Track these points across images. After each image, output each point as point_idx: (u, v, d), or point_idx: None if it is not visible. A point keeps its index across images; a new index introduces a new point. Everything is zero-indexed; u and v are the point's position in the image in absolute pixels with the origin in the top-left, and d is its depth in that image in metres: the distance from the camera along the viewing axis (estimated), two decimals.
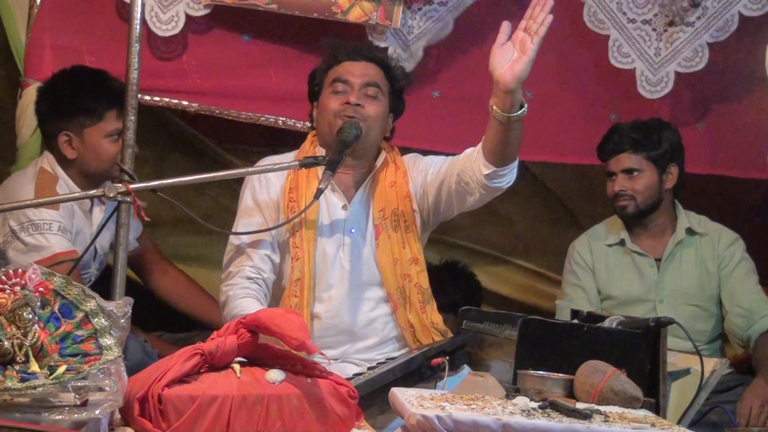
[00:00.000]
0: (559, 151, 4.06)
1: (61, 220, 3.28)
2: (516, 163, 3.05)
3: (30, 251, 3.24)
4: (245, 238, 3.15)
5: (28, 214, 3.25)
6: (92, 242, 3.19)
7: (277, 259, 3.17)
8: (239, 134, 4.17)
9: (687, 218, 3.81)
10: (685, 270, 3.77)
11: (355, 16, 3.62)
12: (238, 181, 3.39)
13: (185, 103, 3.70)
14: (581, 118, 4.01)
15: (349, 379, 2.71)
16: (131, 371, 2.85)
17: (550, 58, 3.92)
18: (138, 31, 3.00)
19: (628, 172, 3.74)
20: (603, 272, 3.80)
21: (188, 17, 3.61)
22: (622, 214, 3.78)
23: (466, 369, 3.06)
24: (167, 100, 3.68)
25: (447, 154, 3.31)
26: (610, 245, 3.83)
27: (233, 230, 3.20)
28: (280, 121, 3.77)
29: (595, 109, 4.00)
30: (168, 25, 3.58)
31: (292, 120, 3.76)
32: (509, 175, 3.05)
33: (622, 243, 3.82)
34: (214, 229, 3.72)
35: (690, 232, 3.79)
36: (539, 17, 2.90)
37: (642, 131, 3.75)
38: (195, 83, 3.70)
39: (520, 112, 2.91)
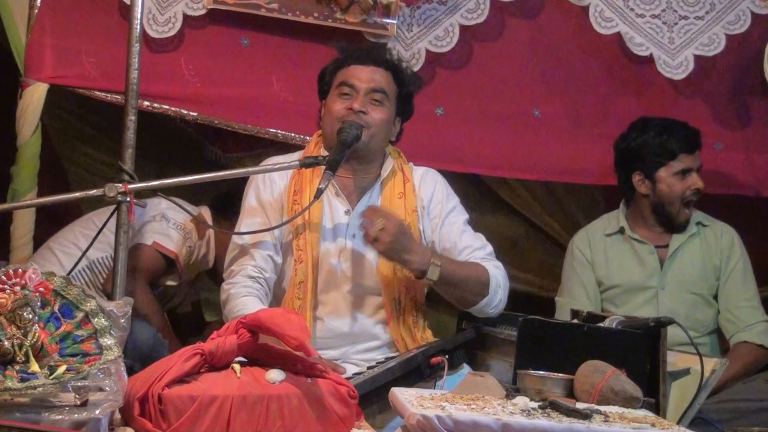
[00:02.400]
0: (565, 173, 4.04)
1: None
2: (486, 302, 3.10)
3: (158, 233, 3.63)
4: (248, 238, 3.15)
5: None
6: (91, 244, 3.20)
7: (279, 260, 3.17)
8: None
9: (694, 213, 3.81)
10: (689, 258, 3.77)
11: (354, 14, 3.62)
12: None
13: (184, 111, 3.70)
14: (589, 138, 3.98)
15: (348, 378, 2.71)
16: (143, 357, 2.89)
17: (557, 77, 3.92)
18: (138, 31, 3.00)
19: (700, 169, 3.73)
20: (603, 263, 3.80)
21: (187, 21, 3.60)
22: (688, 215, 3.74)
23: (465, 368, 3.06)
24: (166, 107, 3.68)
25: (450, 173, 3.32)
26: (608, 234, 3.83)
27: (236, 230, 3.21)
28: (280, 135, 3.76)
29: (603, 128, 3.97)
30: (165, 26, 3.57)
31: (292, 133, 3.75)
32: (481, 314, 3.14)
33: (621, 231, 3.82)
34: (216, 229, 3.73)
35: (698, 224, 3.80)
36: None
37: (689, 125, 3.74)
38: (195, 89, 3.69)
39: (426, 278, 3.01)
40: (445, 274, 3.02)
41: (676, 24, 3.80)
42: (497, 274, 3.13)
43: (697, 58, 3.82)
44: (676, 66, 3.80)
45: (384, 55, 3.32)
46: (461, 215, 3.26)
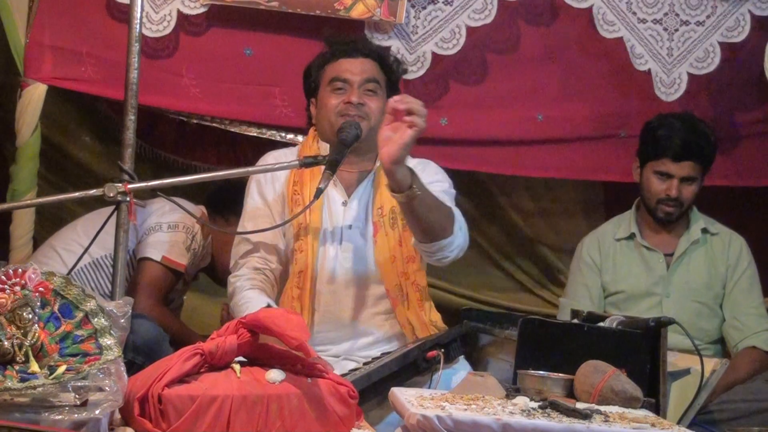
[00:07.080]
0: (568, 170, 4.06)
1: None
2: (449, 241, 2.96)
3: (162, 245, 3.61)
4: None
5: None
6: (89, 245, 3.21)
7: (283, 248, 3.19)
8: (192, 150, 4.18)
9: (702, 219, 3.80)
10: (694, 267, 3.75)
11: (358, 12, 3.61)
12: None
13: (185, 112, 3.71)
14: (590, 137, 3.99)
15: (344, 374, 2.71)
16: (147, 348, 2.87)
17: (559, 78, 3.92)
18: (138, 31, 3.00)
19: (688, 180, 3.68)
20: (611, 269, 3.78)
21: (183, 21, 3.59)
22: (666, 219, 3.72)
23: (462, 361, 3.06)
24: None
25: (455, 171, 3.31)
26: (619, 239, 3.81)
27: (240, 225, 3.23)
28: (284, 136, 3.78)
29: (604, 126, 3.98)
30: (159, 25, 3.57)
31: (291, 135, 3.76)
32: (439, 254, 2.99)
33: (631, 237, 3.80)
34: (217, 229, 3.73)
35: (704, 231, 3.78)
36: (405, 119, 2.75)
37: (703, 138, 3.67)
38: (196, 101, 3.69)
39: (407, 192, 2.80)
40: (423, 192, 2.86)
41: (676, 31, 3.80)
42: (459, 216, 3.05)
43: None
44: (669, 84, 3.81)
45: (368, 45, 3.34)
46: (444, 182, 3.22)
